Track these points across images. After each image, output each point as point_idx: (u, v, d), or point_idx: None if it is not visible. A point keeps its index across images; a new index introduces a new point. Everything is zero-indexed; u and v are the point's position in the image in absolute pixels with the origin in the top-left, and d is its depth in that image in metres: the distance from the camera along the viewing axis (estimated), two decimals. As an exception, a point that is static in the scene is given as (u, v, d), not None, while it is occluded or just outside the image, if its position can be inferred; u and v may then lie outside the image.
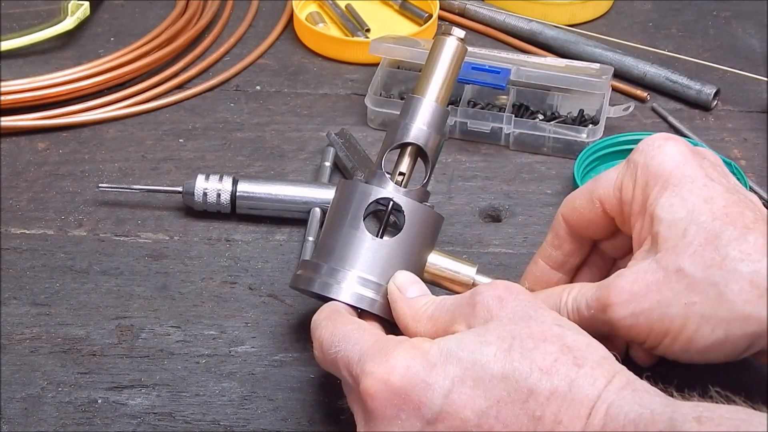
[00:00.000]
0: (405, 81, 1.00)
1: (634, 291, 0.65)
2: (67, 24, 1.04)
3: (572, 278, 0.75)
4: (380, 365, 0.61)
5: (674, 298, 0.64)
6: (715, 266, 0.63)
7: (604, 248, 0.74)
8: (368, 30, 1.08)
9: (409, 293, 0.68)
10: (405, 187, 0.73)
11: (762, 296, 0.62)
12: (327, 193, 0.86)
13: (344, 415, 0.67)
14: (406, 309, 0.67)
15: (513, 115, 0.95)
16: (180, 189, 0.87)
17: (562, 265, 0.74)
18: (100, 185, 0.88)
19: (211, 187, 0.87)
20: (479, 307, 0.63)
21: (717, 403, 0.57)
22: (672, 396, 0.58)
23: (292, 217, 0.87)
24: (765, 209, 0.67)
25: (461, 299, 0.64)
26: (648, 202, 0.67)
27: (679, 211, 0.65)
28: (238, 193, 0.87)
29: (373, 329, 0.65)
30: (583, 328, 0.63)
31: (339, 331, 0.65)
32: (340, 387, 0.67)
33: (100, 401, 0.73)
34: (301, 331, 0.78)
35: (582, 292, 0.68)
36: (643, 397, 0.57)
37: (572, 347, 0.59)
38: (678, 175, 0.66)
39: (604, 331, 0.66)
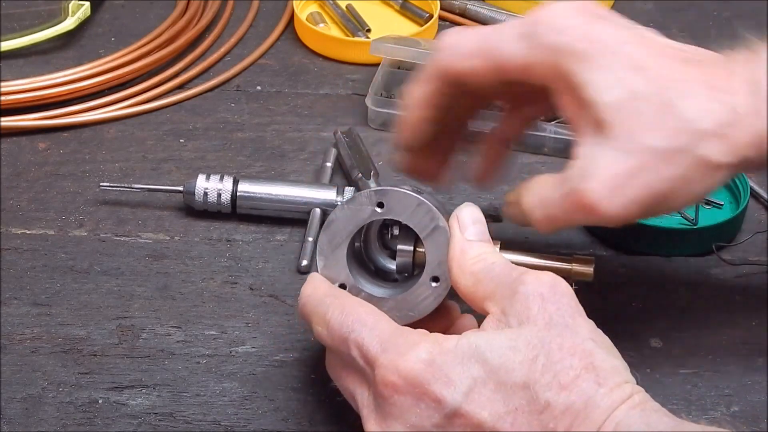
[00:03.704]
0: (406, 81, 1.00)
1: (617, 185, 0.64)
2: (68, 24, 1.04)
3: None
4: (403, 356, 0.61)
5: (657, 176, 0.64)
6: (679, 132, 0.64)
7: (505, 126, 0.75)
8: (369, 30, 1.08)
9: (468, 233, 0.66)
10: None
11: (729, 144, 0.64)
12: (328, 194, 0.86)
13: (340, 397, 0.67)
14: (456, 251, 0.66)
15: (514, 116, 0.95)
16: (181, 189, 0.87)
17: (448, 112, 0.72)
18: (101, 184, 0.88)
19: (212, 187, 0.87)
20: (519, 299, 0.61)
21: (723, 428, 0.57)
22: (681, 418, 0.58)
23: (293, 218, 0.87)
24: (671, 41, 0.68)
25: (506, 277, 0.63)
26: (574, 84, 0.65)
27: (617, 89, 0.64)
28: (238, 193, 0.87)
29: (385, 315, 0.65)
30: (550, 223, 0.66)
31: (351, 312, 0.64)
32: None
33: (100, 401, 0.73)
34: (302, 331, 0.78)
35: (548, 192, 0.67)
36: (651, 416, 0.57)
37: (597, 367, 0.59)
38: (600, 44, 0.65)
39: (581, 221, 0.67)
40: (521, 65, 0.67)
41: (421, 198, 0.68)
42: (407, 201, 0.68)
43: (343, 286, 0.69)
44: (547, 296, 0.61)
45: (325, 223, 0.70)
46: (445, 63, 0.70)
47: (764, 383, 0.75)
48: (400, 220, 0.68)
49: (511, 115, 0.76)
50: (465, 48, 0.69)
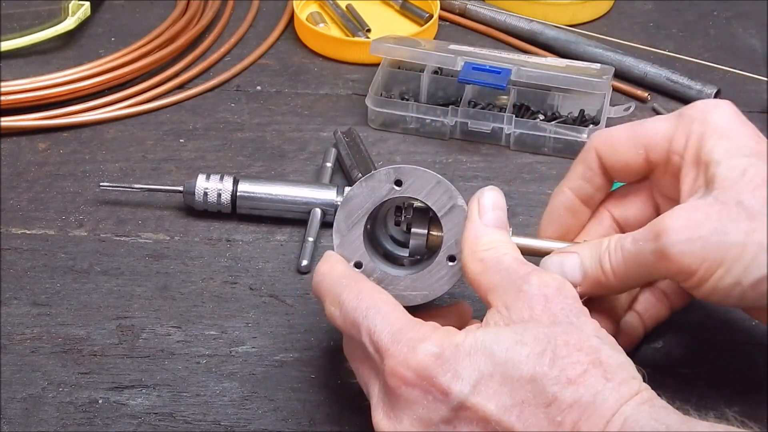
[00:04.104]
0: (405, 81, 1.00)
1: (691, 219, 0.64)
2: (68, 24, 1.04)
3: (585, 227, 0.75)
4: (413, 349, 0.61)
5: (733, 226, 0.63)
6: None
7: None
8: (369, 30, 1.08)
9: (485, 219, 0.67)
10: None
11: None
12: (328, 194, 0.86)
13: (354, 379, 0.67)
14: (471, 234, 0.66)
15: (513, 116, 0.95)
16: (181, 188, 0.87)
17: (589, 199, 0.73)
18: (101, 184, 0.88)
19: (212, 186, 0.87)
20: (522, 297, 0.62)
21: (732, 425, 0.58)
22: (689, 414, 0.59)
23: (293, 218, 0.87)
24: None
25: (513, 273, 0.63)
26: (704, 151, 0.67)
27: (738, 156, 0.66)
28: (238, 193, 0.87)
29: (400, 305, 0.65)
30: (624, 268, 0.65)
31: (367, 297, 0.65)
32: (341, 388, 0.67)
33: (100, 401, 0.73)
34: (302, 331, 0.78)
35: (627, 234, 0.67)
36: (660, 412, 0.58)
37: (604, 362, 0.59)
38: (734, 129, 0.67)
39: (650, 264, 0.65)
40: (665, 138, 0.69)
41: (440, 176, 0.68)
42: (426, 178, 0.68)
43: (358, 265, 0.69)
44: (551, 297, 0.62)
45: (343, 200, 0.69)
46: (594, 143, 0.72)
47: (764, 383, 0.75)
48: (419, 197, 0.68)
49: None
50: (616, 132, 0.72)
